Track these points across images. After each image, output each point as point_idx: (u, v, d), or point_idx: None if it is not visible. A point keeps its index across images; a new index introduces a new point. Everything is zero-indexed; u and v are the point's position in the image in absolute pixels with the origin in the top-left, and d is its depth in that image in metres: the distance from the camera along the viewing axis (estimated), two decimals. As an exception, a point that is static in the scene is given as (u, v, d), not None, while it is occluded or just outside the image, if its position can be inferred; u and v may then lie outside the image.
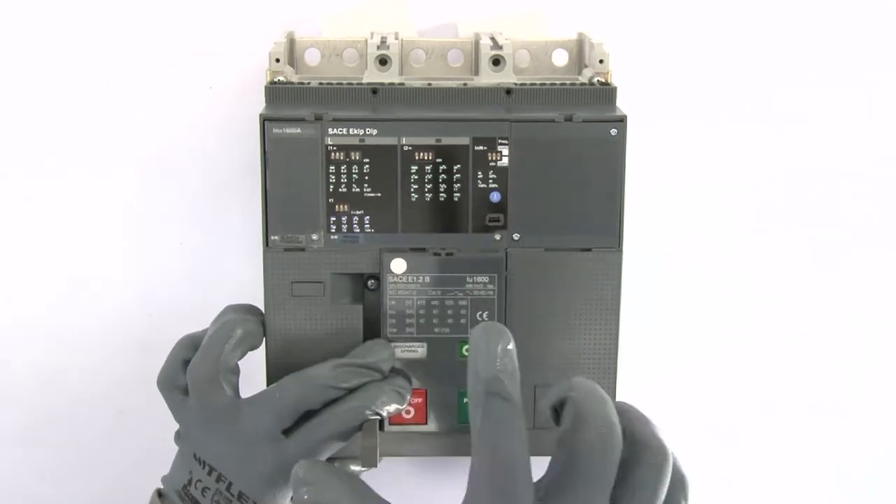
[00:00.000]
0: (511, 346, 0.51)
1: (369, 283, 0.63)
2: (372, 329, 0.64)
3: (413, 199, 0.62)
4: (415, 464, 0.75)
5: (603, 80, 0.64)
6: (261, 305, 0.68)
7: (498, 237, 0.63)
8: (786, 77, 0.72)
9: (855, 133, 0.73)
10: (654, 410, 0.75)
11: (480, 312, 0.63)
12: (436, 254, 0.63)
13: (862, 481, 0.77)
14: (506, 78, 0.64)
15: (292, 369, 0.62)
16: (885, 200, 0.74)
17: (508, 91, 0.63)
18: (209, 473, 0.63)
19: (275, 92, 0.63)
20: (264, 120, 0.61)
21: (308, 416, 0.62)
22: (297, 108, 0.62)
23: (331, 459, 0.65)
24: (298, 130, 0.61)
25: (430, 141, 0.61)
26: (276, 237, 0.62)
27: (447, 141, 0.61)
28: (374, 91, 0.62)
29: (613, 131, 0.61)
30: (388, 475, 0.75)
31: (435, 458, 0.72)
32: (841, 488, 0.77)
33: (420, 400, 0.64)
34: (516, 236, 0.63)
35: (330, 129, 0.61)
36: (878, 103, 0.73)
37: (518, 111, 0.62)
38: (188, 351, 0.65)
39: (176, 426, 0.67)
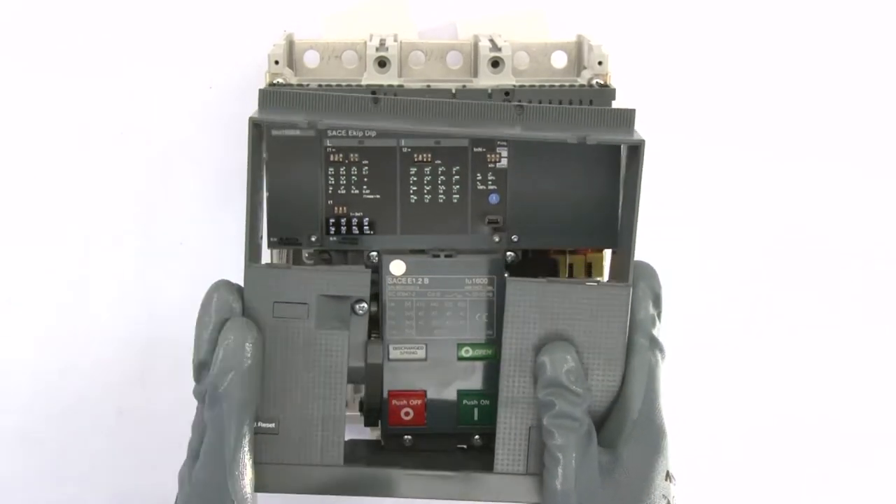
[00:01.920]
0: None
1: (357, 307, 0.61)
2: (356, 356, 0.62)
3: (412, 201, 0.62)
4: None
5: (602, 83, 0.64)
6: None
7: (497, 239, 0.63)
8: (786, 79, 0.72)
9: (858, 131, 0.73)
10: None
11: (480, 314, 0.63)
12: (435, 255, 0.63)
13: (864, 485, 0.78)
14: (505, 80, 0.64)
15: (269, 392, 0.60)
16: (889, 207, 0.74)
17: (507, 93, 0.63)
18: None
19: (269, 96, 0.60)
20: (254, 123, 0.59)
21: None
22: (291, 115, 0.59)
23: None
24: (297, 132, 0.61)
25: (429, 143, 0.62)
26: (275, 238, 0.62)
27: (446, 143, 0.62)
28: (375, 101, 0.60)
29: None
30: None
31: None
32: (844, 491, 0.78)
33: (419, 402, 0.64)
34: (515, 238, 0.63)
35: (329, 131, 0.61)
36: (883, 103, 0.73)
37: (529, 129, 0.59)
38: None
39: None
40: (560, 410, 0.57)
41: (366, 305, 0.61)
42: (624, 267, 0.59)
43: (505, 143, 0.62)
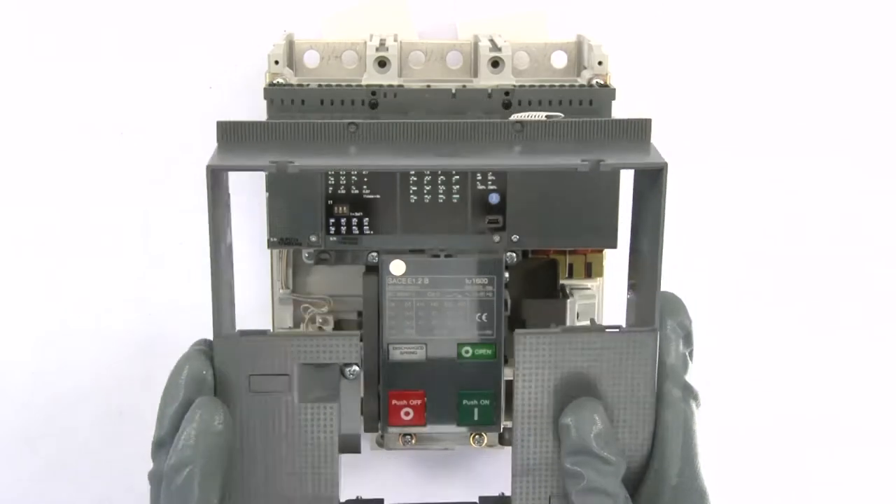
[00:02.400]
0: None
1: (348, 371, 0.54)
2: (351, 421, 0.56)
3: (412, 201, 0.62)
4: (414, 457, 0.76)
5: (602, 83, 0.64)
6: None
7: (497, 238, 0.63)
8: (786, 79, 0.72)
9: (857, 132, 0.73)
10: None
11: (479, 314, 0.63)
12: (435, 255, 0.63)
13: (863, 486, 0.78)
14: (505, 80, 0.64)
15: (250, 476, 0.54)
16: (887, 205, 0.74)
17: (507, 93, 0.63)
18: None
19: (228, 130, 0.53)
20: (211, 170, 0.52)
21: None
22: (259, 151, 0.53)
23: None
24: None
25: None
26: (275, 238, 0.62)
27: None
28: (353, 127, 0.57)
29: None
30: (389, 469, 0.76)
31: (434, 452, 0.72)
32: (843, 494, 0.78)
33: (419, 402, 0.64)
34: (515, 238, 0.63)
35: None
36: (880, 106, 0.73)
37: (534, 154, 0.53)
38: None
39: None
40: (590, 484, 0.50)
41: (356, 368, 0.54)
42: (648, 308, 0.52)
43: (505, 143, 0.62)
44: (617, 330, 0.52)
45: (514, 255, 0.63)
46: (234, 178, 0.72)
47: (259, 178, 0.63)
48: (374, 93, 0.63)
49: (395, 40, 0.66)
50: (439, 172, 0.62)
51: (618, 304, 0.72)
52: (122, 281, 0.73)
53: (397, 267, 0.63)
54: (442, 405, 0.64)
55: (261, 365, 0.52)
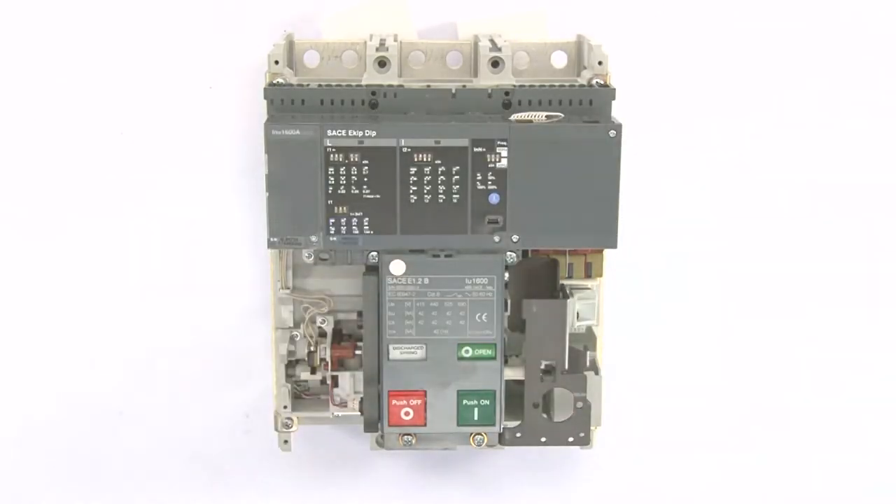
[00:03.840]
0: None
1: None
2: None
3: (412, 201, 0.62)
4: (414, 457, 0.76)
5: (602, 82, 0.64)
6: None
7: (497, 238, 0.63)
8: (783, 79, 0.72)
9: (853, 135, 0.73)
10: (648, 410, 0.76)
11: (479, 314, 0.63)
12: (435, 255, 0.63)
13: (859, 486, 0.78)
14: (505, 80, 0.64)
15: None
16: (881, 205, 0.74)
17: (507, 93, 0.63)
18: None
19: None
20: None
21: None
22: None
23: None
24: (297, 132, 0.61)
25: (429, 143, 0.62)
26: (275, 238, 0.62)
27: (446, 143, 0.62)
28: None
29: (612, 133, 0.61)
30: (389, 469, 0.76)
31: (434, 452, 0.72)
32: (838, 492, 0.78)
33: (419, 402, 0.64)
34: (515, 237, 0.63)
35: (329, 131, 0.61)
36: (879, 107, 0.73)
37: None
38: None
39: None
40: None
41: None
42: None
43: (505, 143, 0.62)
44: None
45: (514, 255, 0.63)
46: (234, 177, 0.72)
47: (259, 178, 0.63)
48: (374, 93, 0.63)
49: (395, 40, 0.66)
50: (440, 172, 0.62)
51: (618, 304, 0.73)
52: (121, 280, 0.73)
53: (397, 267, 0.63)
54: (442, 405, 0.64)
55: None
